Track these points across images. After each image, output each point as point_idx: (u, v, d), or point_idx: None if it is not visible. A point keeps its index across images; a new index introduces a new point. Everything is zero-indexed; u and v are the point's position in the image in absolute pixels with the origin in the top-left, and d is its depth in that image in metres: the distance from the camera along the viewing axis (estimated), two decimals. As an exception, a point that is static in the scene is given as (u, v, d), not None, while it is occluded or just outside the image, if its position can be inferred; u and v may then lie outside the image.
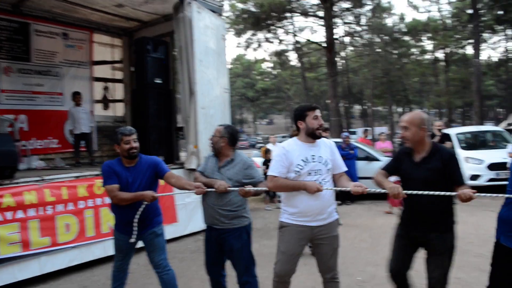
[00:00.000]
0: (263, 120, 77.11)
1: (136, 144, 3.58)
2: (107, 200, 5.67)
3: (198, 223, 6.85)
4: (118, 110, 9.85)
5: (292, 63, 36.18)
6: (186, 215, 6.85)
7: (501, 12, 24.76)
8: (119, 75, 9.79)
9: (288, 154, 3.15)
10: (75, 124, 7.99)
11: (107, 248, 5.58)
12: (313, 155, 3.16)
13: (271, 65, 45.23)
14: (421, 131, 2.94)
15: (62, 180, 5.37)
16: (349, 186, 3.08)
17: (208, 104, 7.30)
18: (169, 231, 5.38)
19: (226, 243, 3.53)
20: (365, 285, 4.42)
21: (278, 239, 3.28)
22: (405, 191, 2.81)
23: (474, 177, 9.74)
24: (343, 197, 9.30)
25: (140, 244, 3.73)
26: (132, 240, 3.52)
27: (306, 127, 3.18)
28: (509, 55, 31.15)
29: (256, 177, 3.53)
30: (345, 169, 3.33)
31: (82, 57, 8.99)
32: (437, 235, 2.93)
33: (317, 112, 3.20)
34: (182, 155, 8.82)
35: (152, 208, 3.67)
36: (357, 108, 57.34)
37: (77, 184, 5.43)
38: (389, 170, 3.21)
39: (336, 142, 9.74)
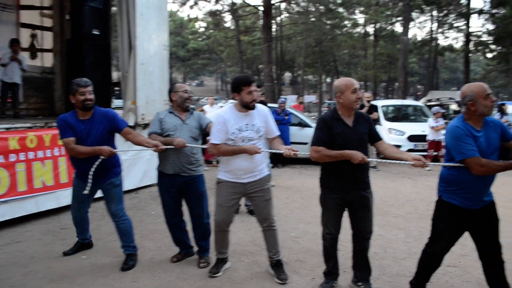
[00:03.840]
0: (193, 81, 75.66)
1: (92, 96, 3.58)
2: (40, 154, 5.49)
3: (132, 181, 6.84)
4: (47, 60, 9.24)
5: (226, 24, 35.72)
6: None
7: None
8: (48, 22, 9.13)
9: (226, 122, 3.40)
10: (7, 72, 7.32)
11: (40, 203, 5.43)
12: (246, 124, 3.44)
13: (205, 25, 44.20)
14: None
15: (-9, 131, 5.06)
16: (282, 149, 3.39)
17: (148, 60, 7.13)
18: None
19: (191, 189, 3.84)
20: (298, 240, 4.77)
21: (216, 193, 3.63)
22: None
23: (395, 147, 10.52)
24: (275, 161, 9.63)
25: (99, 193, 3.89)
26: (85, 192, 3.61)
27: (241, 100, 3.42)
28: (433, 35, 33.22)
29: (208, 120, 3.97)
30: (278, 133, 3.62)
31: (7, -1, 8.25)
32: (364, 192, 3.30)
33: (253, 87, 3.37)
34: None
35: (111, 159, 3.73)
36: (287, 75, 58.26)
37: (7, 136, 5.13)
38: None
39: (270, 107, 9.93)
